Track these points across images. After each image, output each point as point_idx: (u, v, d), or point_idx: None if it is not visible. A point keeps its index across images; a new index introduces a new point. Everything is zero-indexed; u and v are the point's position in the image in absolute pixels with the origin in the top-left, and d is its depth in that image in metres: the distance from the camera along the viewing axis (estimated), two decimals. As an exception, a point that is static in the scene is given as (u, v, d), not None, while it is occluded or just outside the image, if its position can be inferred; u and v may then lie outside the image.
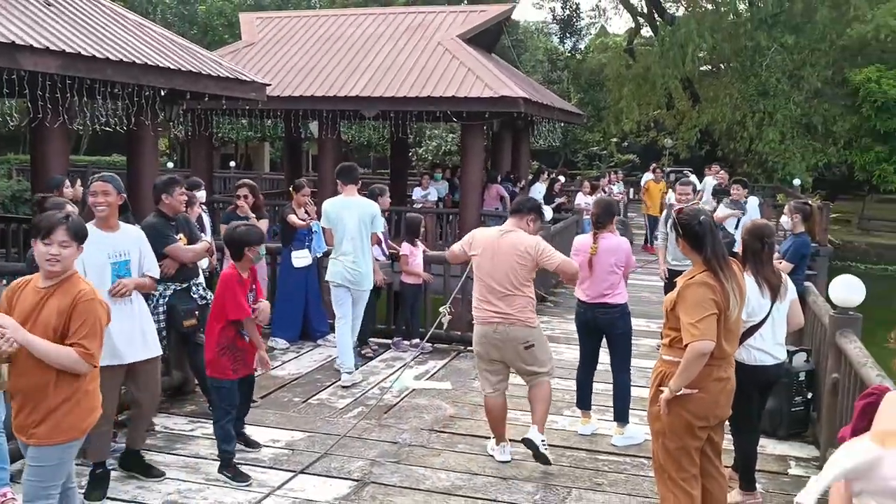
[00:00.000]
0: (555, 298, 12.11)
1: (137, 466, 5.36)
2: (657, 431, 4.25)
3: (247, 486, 5.27)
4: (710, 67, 31.04)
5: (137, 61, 8.99)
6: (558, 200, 16.11)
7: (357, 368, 7.94)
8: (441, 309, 7.95)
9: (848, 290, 5.56)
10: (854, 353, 5.10)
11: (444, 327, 7.94)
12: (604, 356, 6.50)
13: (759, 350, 4.93)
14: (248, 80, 11.08)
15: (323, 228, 7.82)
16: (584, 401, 6.48)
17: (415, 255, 8.70)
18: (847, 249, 25.72)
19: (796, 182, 23.22)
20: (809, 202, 7.84)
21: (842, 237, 25.82)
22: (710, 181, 17.48)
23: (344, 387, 7.43)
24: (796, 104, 25.45)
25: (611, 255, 6.08)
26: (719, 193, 11.13)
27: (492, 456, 5.87)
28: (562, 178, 18.61)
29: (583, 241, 6.29)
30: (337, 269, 7.59)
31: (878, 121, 24.98)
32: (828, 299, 6.09)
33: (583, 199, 15.67)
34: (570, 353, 8.90)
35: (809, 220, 7.28)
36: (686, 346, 4.05)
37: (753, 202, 15.10)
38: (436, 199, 16.40)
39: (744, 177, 26.93)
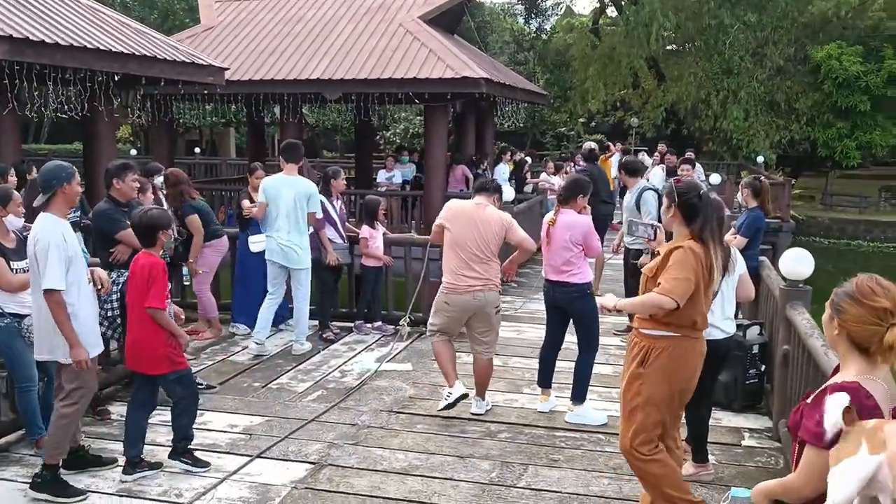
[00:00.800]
0: (518, 279, 12.14)
1: (84, 463, 5.22)
2: (637, 406, 4.18)
3: (205, 471, 5.24)
4: (674, 46, 31.18)
5: (89, 46, 8.84)
6: (531, 181, 16.09)
7: (314, 349, 7.95)
8: (402, 322, 7.99)
9: (797, 263, 5.62)
10: (802, 324, 5.18)
11: (406, 339, 8.04)
12: (572, 336, 6.51)
13: (709, 324, 4.98)
14: (205, 64, 10.96)
15: (258, 204, 7.89)
16: (543, 378, 6.53)
17: (374, 237, 8.67)
18: (811, 225, 26.06)
19: (760, 159, 23.46)
20: (761, 178, 7.93)
21: (806, 213, 26.13)
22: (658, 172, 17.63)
23: (253, 356, 7.70)
24: (759, 82, 25.69)
25: (566, 230, 6.08)
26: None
27: (449, 436, 5.90)
28: (528, 160, 18.63)
29: (547, 216, 6.33)
30: (272, 246, 7.77)
31: (839, 97, 25.30)
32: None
33: (546, 180, 15.72)
34: (532, 333, 8.96)
35: (760, 196, 7.38)
36: (658, 292, 4.03)
37: (715, 179, 15.30)
38: (401, 181, 16.37)
39: (712, 155, 27.53)
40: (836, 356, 2.76)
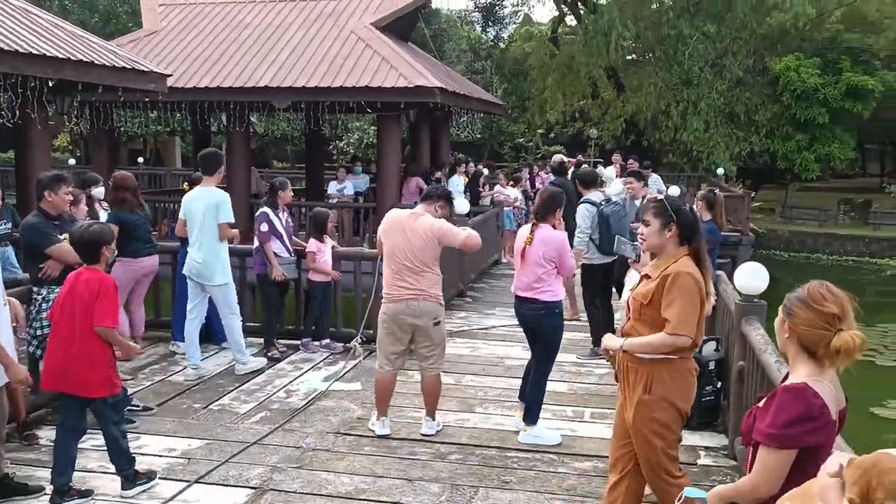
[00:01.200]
0: (474, 293, 12.16)
1: (9, 491, 5.07)
2: (653, 432, 4.14)
3: (153, 484, 5.18)
4: (634, 56, 31.61)
5: (21, 50, 8.67)
6: (487, 193, 16.13)
7: (259, 368, 7.85)
8: (353, 342, 7.95)
9: (752, 277, 5.69)
10: (756, 340, 5.24)
11: (359, 358, 8.03)
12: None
13: None
14: (146, 70, 10.81)
15: (180, 220, 7.83)
16: (524, 393, 6.52)
17: (322, 251, 8.61)
18: (771, 238, 26.54)
19: (720, 171, 23.82)
20: (715, 190, 8.04)
21: (766, 226, 26.62)
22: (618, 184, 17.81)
23: (188, 381, 7.51)
24: (719, 93, 26.13)
25: (542, 246, 6.08)
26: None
27: (398, 458, 5.86)
28: (485, 171, 18.71)
29: (522, 232, 6.32)
30: (188, 261, 7.67)
31: (797, 109, 25.84)
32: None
33: (501, 191, 15.79)
34: (487, 350, 8.96)
35: (714, 209, 7.47)
36: (670, 332, 4.01)
37: (675, 191, 15.48)
38: (352, 193, 16.31)
39: (672, 166, 27.88)
40: (786, 365, 2.86)
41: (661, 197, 4.29)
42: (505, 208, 15.39)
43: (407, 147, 18.78)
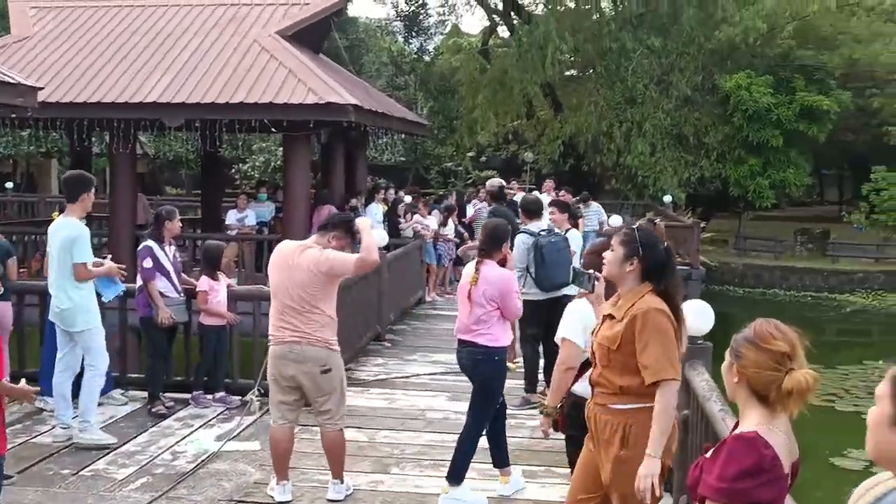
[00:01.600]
0: (394, 337, 12.11)
1: None
2: (638, 490, 4.07)
3: None
4: (573, 72, 32.25)
5: None
6: (407, 223, 16.14)
7: (106, 445, 7.63)
8: (250, 395, 7.82)
9: (696, 316, 5.74)
10: (700, 386, 5.29)
11: (256, 413, 7.91)
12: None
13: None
14: (12, 81, 10.53)
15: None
16: (496, 458, 6.43)
17: (216, 290, 8.48)
18: (724, 272, 27.19)
19: (668, 198, 24.36)
20: (655, 220, 8.18)
21: (718, 258, 27.27)
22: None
23: (56, 442, 7.26)
24: (666, 112, 26.78)
25: (484, 284, 6.08)
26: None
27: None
28: (407, 198, 18.77)
29: (467, 269, 6.31)
30: (50, 305, 7.46)
31: (750, 130, 26.62)
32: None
33: (420, 221, 15.82)
34: (406, 401, 8.91)
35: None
36: (655, 383, 4.00)
37: (616, 221, 15.74)
38: (255, 223, 16.14)
39: (615, 193, 28.36)
40: (732, 416, 2.90)
41: (634, 225, 4.35)
42: (438, 242, 15.46)
43: (318, 171, 18.70)
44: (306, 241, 6.15)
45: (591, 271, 4.70)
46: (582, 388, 4.94)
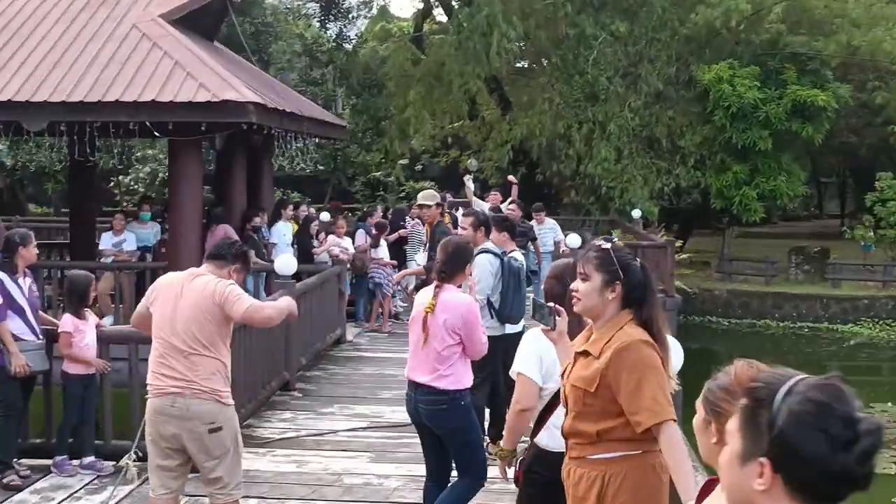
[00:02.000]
0: (305, 386, 12.04)
1: None
2: None
3: None
4: (523, 64, 32.58)
5: None
6: (323, 245, 16.10)
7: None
8: (125, 459, 7.69)
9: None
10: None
11: (133, 481, 7.83)
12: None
13: (553, 426, 5.14)
14: None
15: None
16: None
17: (83, 332, 8.38)
18: (705, 300, 27.52)
19: (637, 213, 24.61)
20: (612, 238, 8.22)
21: (698, 284, 27.58)
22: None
23: None
24: (633, 111, 27.14)
25: (444, 313, 6.11)
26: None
27: None
28: (324, 216, 18.69)
29: (421, 297, 6.35)
30: None
31: (733, 132, 27.01)
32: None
33: (337, 243, 15.78)
34: (320, 464, 8.90)
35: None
36: (656, 426, 4.02)
37: (574, 241, 15.88)
38: (135, 248, 15.94)
39: (576, 208, 28.56)
40: (704, 474, 2.85)
41: (606, 245, 4.38)
42: (374, 268, 15.48)
43: (212, 185, 18.60)
44: (197, 270, 6.18)
45: (551, 304, 4.74)
46: (547, 437, 5.03)
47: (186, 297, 5.94)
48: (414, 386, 6.23)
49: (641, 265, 4.34)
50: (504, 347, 8.46)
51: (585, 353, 4.25)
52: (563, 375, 4.45)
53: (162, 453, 6.01)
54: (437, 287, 6.20)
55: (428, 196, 13.03)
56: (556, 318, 4.60)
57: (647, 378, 4.06)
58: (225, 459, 5.99)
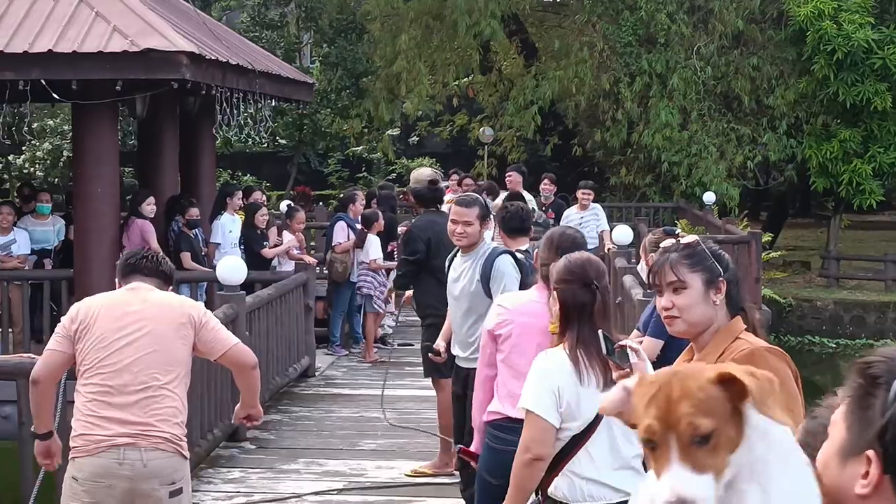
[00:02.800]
0: (261, 434, 12.01)
1: None
2: None
3: None
4: (554, -4, 32.48)
5: None
6: (274, 251, 16.09)
7: None
8: None
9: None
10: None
11: None
12: None
13: (590, 481, 5.25)
14: None
15: None
16: None
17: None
18: (804, 313, 27.32)
19: (710, 197, 24.50)
20: (676, 230, 8.21)
21: (794, 292, 27.41)
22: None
23: None
24: (704, 59, 27.05)
25: None
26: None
27: None
28: (282, 206, 18.68)
29: (526, 305, 6.41)
30: None
31: (839, 85, 26.82)
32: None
33: (293, 245, 15.79)
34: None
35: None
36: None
37: (624, 235, 15.86)
38: (28, 251, 15.93)
39: (627, 191, 28.45)
40: None
41: (690, 239, 4.46)
42: (365, 282, 15.46)
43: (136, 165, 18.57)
44: (140, 284, 6.22)
45: (626, 342, 4.74)
46: (566, 487, 5.18)
47: (149, 315, 6.04)
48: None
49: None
50: None
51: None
52: None
53: None
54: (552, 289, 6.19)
55: (420, 176, 12.77)
56: (634, 356, 4.60)
57: (776, 397, 4.02)
58: None
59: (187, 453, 6.20)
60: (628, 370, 4.55)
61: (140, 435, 5.90)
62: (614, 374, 4.71)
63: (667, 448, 2.28)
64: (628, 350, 4.62)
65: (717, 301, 4.26)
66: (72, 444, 6.04)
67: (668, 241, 4.58)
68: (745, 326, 4.27)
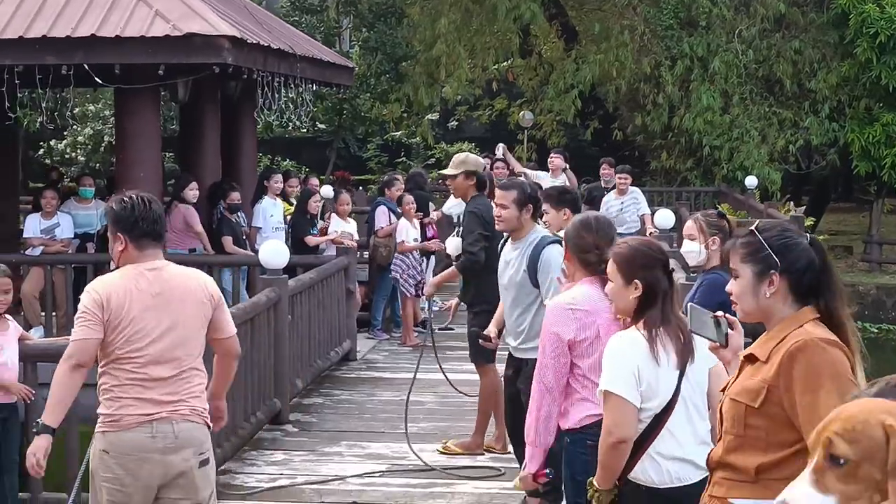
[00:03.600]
0: (302, 416, 12.04)
1: None
2: None
3: None
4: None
5: None
6: (325, 239, 16.11)
7: None
8: None
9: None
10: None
11: None
12: None
13: (674, 459, 5.33)
14: None
15: None
16: None
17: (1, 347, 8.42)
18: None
19: (752, 181, 24.42)
20: (723, 212, 8.20)
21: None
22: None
23: None
24: (746, 42, 26.93)
25: None
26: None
27: None
28: (325, 190, 18.70)
29: (597, 303, 6.27)
30: None
31: (882, 69, 26.64)
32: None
33: (339, 225, 15.79)
34: None
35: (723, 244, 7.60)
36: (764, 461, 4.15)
37: (666, 219, 15.85)
38: (71, 234, 16.00)
39: (668, 175, 28.36)
40: None
41: (752, 227, 4.44)
42: (396, 264, 15.47)
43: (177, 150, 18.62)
44: (158, 263, 6.19)
45: (720, 313, 4.71)
46: (652, 470, 5.28)
47: (176, 298, 6.07)
48: None
49: (813, 241, 4.40)
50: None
51: (752, 358, 4.28)
52: (723, 390, 4.49)
53: None
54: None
55: (458, 162, 12.21)
56: (729, 330, 4.58)
57: (827, 389, 4.04)
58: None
59: (211, 423, 6.25)
60: (723, 343, 4.55)
61: (173, 412, 5.99)
62: (708, 347, 4.72)
63: (812, 458, 2.38)
64: (723, 322, 4.60)
65: (768, 294, 4.24)
66: (100, 419, 6.09)
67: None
68: (816, 316, 4.21)
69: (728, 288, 4.42)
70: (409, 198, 16.59)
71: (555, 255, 8.49)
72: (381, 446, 10.90)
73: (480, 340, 9.62)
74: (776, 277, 4.23)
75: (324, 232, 16.54)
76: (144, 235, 6.10)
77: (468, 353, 10.67)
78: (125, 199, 6.13)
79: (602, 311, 6.17)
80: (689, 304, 5.41)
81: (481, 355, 10.24)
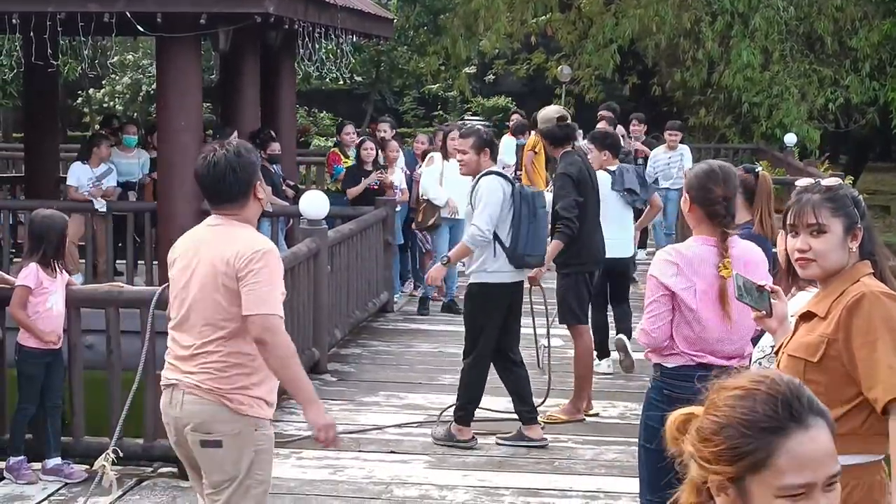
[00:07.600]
0: (340, 366, 12.08)
1: None
2: None
3: None
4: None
5: None
6: (358, 188, 16.06)
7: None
8: (100, 461, 7.76)
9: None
10: None
11: (111, 490, 7.75)
12: None
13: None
14: None
15: None
16: None
17: (47, 291, 8.50)
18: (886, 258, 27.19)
19: (791, 139, 24.36)
20: (757, 169, 8.15)
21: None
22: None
23: None
24: (787, -1, 26.73)
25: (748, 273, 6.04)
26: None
27: None
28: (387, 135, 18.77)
29: (692, 252, 6.14)
30: None
31: (922, 27, 26.52)
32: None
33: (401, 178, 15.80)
34: (360, 471, 9.01)
35: (756, 200, 7.49)
36: (890, 406, 4.08)
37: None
38: (115, 183, 16.05)
39: (706, 132, 28.24)
40: None
41: (834, 183, 4.41)
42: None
43: (213, 99, 18.64)
44: (215, 221, 5.90)
45: (765, 283, 4.67)
46: None
47: (201, 257, 5.80)
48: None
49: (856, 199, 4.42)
50: (514, 298, 9.39)
51: (809, 315, 4.30)
52: (777, 352, 4.48)
53: (190, 472, 6.17)
54: (725, 235, 6.06)
55: (547, 115, 11.21)
56: (773, 300, 4.57)
57: (886, 341, 4.06)
58: (228, 489, 5.79)
59: (242, 409, 5.74)
60: (768, 312, 4.50)
61: (181, 378, 5.77)
62: (752, 316, 4.68)
63: None
64: (768, 293, 4.56)
65: (853, 248, 4.25)
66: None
67: (807, 181, 4.50)
68: (871, 272, 4.24)
69: (801, 245, 4.30)
70: (394, 144, 16.80)
71: (487, 182, 9.07)
72: (419, 397, 10.96)
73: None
74: (859, 231, 4.26)
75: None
76: (203, 190, 5.98)
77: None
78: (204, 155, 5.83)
79: (705, 274, 6.04)
80: (735, 273, 5.36)
81: (571, 315, 10.26)
